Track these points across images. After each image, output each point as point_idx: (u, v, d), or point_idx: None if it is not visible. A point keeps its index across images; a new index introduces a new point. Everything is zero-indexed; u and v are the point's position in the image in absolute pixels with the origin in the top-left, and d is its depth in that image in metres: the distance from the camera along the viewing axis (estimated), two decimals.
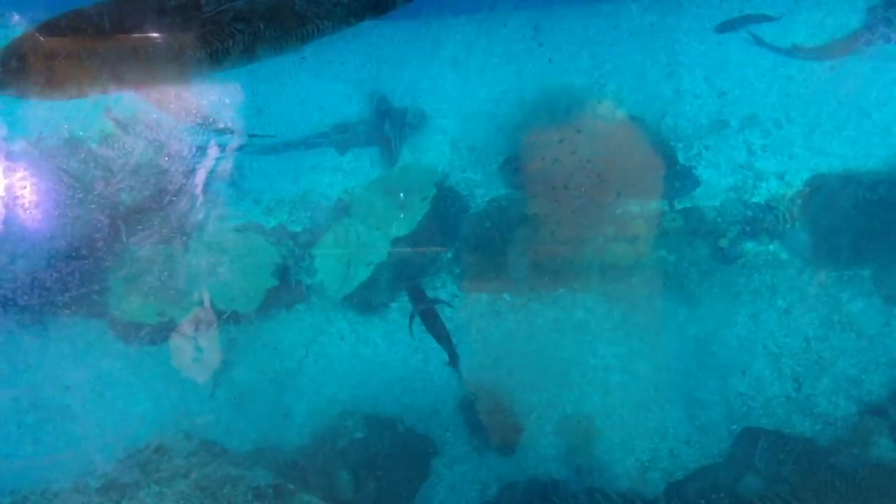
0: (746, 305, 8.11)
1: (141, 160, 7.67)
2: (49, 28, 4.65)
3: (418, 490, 7.93)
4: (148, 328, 7.92)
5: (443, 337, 7.48)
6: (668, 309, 8.15)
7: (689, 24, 8.56)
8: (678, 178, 8.27)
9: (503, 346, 8.16)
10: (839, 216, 7.99)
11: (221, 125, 7.67)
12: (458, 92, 8.53)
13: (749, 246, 8.17)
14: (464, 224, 8.37)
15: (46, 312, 7.88)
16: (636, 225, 8.12)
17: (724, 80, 8.48)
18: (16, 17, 4.89)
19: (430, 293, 8.03)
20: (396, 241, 8.25)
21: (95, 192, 7.53)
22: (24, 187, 7.48)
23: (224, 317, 8.01)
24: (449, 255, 8.35)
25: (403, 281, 8.24)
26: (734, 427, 7.89)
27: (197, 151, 7.68)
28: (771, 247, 8.16)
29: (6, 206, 7.48)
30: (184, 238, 7.83)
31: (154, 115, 7.03)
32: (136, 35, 4.82)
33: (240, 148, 8.14)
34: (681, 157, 8.35)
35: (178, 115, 7.38)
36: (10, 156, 7.54)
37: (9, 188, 7.47)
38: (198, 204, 7.87)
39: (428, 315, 7.55)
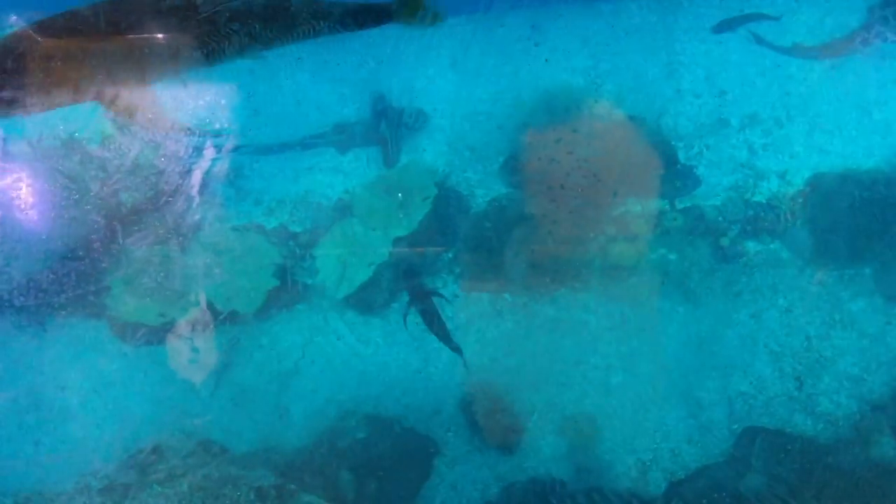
0: (747, 304, 8.09)
1: (140, 161, 7.70)
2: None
3: (420, 490, 7.92)
4: (149, 329, 7.93)
5: (442, 333, 7.50)
6: (668, 308, 8.14)
7: (689, 23, 8.55)
8: (679, 177, 8.26)
9: (504, 346, 8.16)
10: (840, 215, 7.99)
11: (218, 126, 7.69)
12: (456, 92, 8.54)
13: (750, 245, 8.16)
14: (465, 224, 8.37)
15: (47, 313, 7.92)
16: (637, 224, 8.12)
17: (724, 78, 8.47)
18: (13, 18, 4.91)
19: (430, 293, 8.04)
20: (397, 242, 8.25)
21: (92, 193, 7.56)
22: (22, 188, 7.51)
23: (221, 317, 8.02)
24: (450, 255, 8.35)
25: (405, 280, 8.24)
26: (736, 426, 7.87)
27: (195, 153, 7.70)
28: (772, 246, 8.15)
29: (3, 207, 7.51)
30: (183, 239, 7.85)
31: (150, 116, 7.05)
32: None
33: (237, 148, 8.17)
34: (681, 157, 8.34)
35: (175, 117, 7.40)
36: (8, 157, 7.57)
37: (6, 189, 7.50)
38: (198, 205, 7.89)
39: (427, 313, 7.56)
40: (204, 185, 7.86)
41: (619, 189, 8.11)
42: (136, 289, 7.84)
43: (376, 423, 8.05)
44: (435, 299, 7.88)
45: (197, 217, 7.94)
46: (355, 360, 8.27)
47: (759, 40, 8.32)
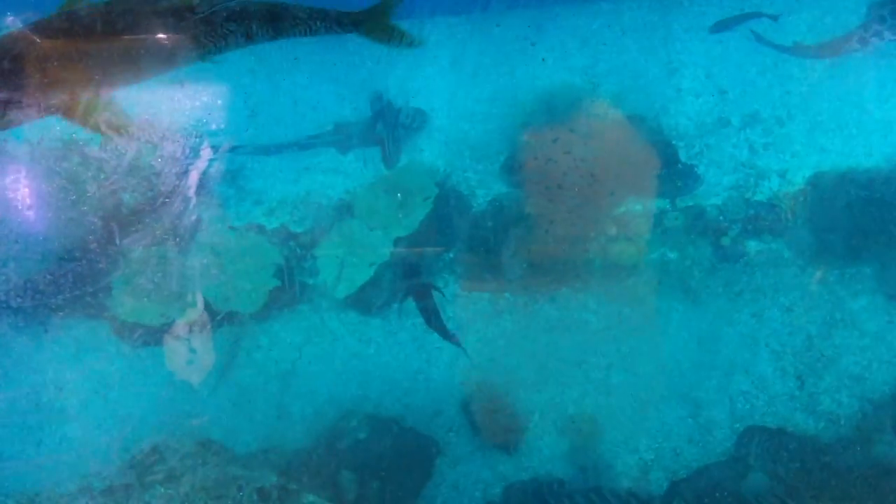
0: (749, 304, 8.08)
1: (140, 163, 7.72)
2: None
3: (421, 490, 7.94)
4: (150, 329, 7.96)
5: (439, 326, 7.50)
6: (669, 307, 8.14)
7: (689, 22, 8.55)
8: (680, 176, 8.26)
9: (504, 346, 8.17)
10: (841, 214, 7.97)
11: (215, 126, 7.71)
12: (454, 92, 8.55)
13: (751, 244, 8.15)
14: (466, 224, 8.38)
15: (49, 314, 7.94)
16: (638, 223, 8.12)
17: (724, 78, 8.47)
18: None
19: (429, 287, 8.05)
20: (398, 241, 8.26)
21: (90, 194, 7.59)
22: (21, 189, 7.54)
23: (219, 318, 8.04)
24: (450, 254, 8.36)
25: (407, 280, 8.25)
26: (737, 426, 7.86)
27: (193, 153, 7.72)
28: (773, 245, 8.14)
29: (2, 207, 7.54)
30: (184, 240, 7.87)
31: (147, 117, 7.07)
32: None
33: (237, 149, 8.19)
34: (682, 156, 8.33)
35: (172, 117, 7.42)
36: (7, 157, 7.60)
37: (6, 190, 7.53)
38: (198, 205, 7.91)
39: (426, 310, 7.56)
40: (204, 186, 7.88)
41: (620, 188, 8.11)
42: (137, 289, 7.87)
43: (377, 424, 8.06)
44: (433, 294, 7.88)
45: (198, 217, 7.96)
46: (356, 360, 8.28)
47: (760, 39, 8.31)
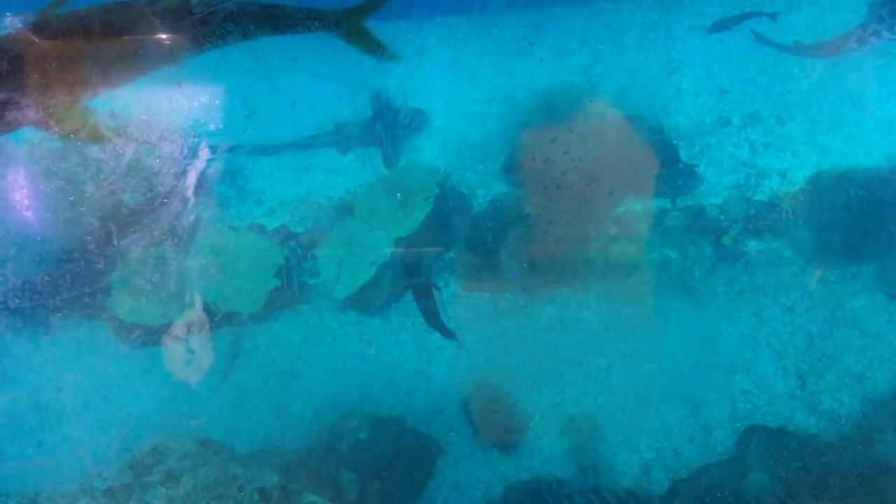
0: (749, 303, 8.07)
1: (140, 163, 7.73)
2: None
3: (422, 490, 7.93)
4: (148, 329, 7.96)
5: (437, 322, 7.50)
6: (670, 307, 8.13)
7: (689, 21, 8.55)
8: (680, 176, 8.25)
9: (504, 345, 8.16)
10: (841, 213, 7.96)
11: (213, 127, 7.71)
12: (453, 91, 8.55)
13: (752, 243, 8.14)
14: (466, 223, 8.38)
15: (50, 315, 7.95)
16: (639, 223, 8.12)
17: (725, 77, 8.47)
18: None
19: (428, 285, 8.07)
20: (399, 241, 8.26)
21: (88, 195, 7.59)
22: (20, 190, 7.55)
23: (219, 318, 8.04)
24: (451, 254, 8.36)
25: (408, 279, 8.25)
26: (738, 425, 7.85)
27: (192, 154, 7.72)
28: (773, 244, 8.13)
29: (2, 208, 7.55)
30: (182, 240, 7.87)
31: (146, 118, 7.08)
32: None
33: (236, 149, 8.19)
34: (683, 155, 8.33)
35: (171, 118, 7.43)
36: (7, 158, 7.60)
37: (5, 190, 7.54)
38: (197, 206, 7.91)
39: (425, 308, 7.57)
40: (203, 186, 7.89)
41: (619, 188, 8.11)
42: (137, 290, 7.87)
43: (378, 424, 8.05)
44: (433, 293, 7.90)
45: (197, 218, 7.96)
46: (356, 360, 8.28)
47: (760, 38, 8.31)
